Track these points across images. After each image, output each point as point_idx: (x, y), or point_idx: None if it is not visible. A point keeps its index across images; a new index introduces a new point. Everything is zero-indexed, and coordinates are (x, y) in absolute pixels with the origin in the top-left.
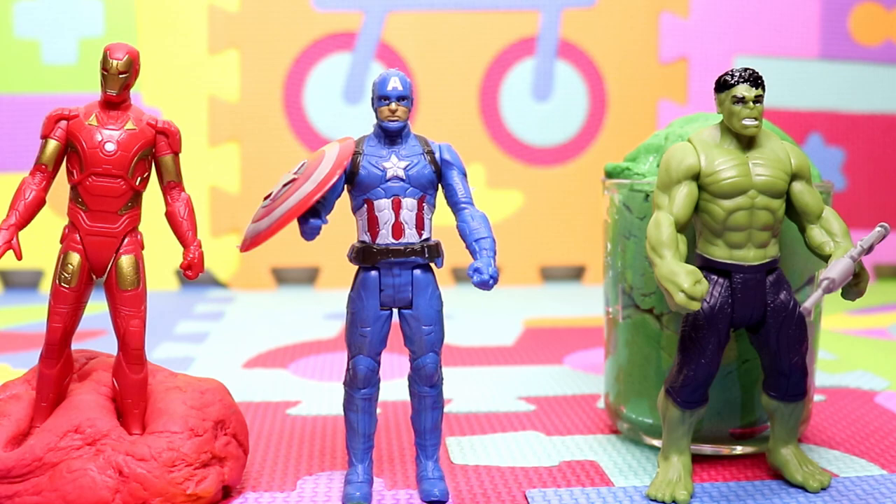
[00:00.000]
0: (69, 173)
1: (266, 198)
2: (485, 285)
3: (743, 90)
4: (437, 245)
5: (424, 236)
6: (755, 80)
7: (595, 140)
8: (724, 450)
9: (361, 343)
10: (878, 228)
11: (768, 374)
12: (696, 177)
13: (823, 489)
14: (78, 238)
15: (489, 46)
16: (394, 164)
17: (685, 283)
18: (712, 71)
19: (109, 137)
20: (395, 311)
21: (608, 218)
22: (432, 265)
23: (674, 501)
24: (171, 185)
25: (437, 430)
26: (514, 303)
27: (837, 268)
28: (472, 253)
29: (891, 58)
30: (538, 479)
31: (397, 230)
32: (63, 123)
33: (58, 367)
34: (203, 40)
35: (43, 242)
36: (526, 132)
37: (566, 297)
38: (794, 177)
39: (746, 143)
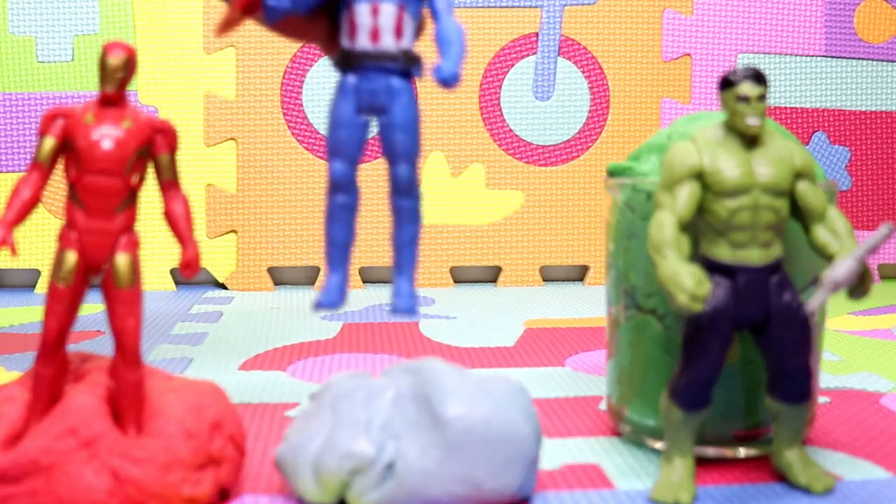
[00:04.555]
0: (66, 171)
1: None
2: (443, 83)
3: (746, 88)
4: (417, 56)
5: (403, 45)
6: (759, 79)
7: (597, 139)
8: (728, 452)
9: (336, 146)
10: (882, 228)
11: (772, 375)
12: (699, 176)
13: (828, 492)
14: (74, 236)
15: (490, 44)
16: None
17: (688, 283)
18: (716, 69)
19: (106, 135)
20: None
21: (610, 218)
22: (411, 75)
23: None
24: (168, 183)
25: (412, 246)
26: (514, 303)
27: (842, 268)
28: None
29: None
30: (539, 481)
31: (374, 35)
32: (60, 121)
33: (53, 368)
34: (199, 38)
35: (39, 243)
36: (527, 131)
37: (568, 297)
38: (799, 176)
39: (750, 141)
